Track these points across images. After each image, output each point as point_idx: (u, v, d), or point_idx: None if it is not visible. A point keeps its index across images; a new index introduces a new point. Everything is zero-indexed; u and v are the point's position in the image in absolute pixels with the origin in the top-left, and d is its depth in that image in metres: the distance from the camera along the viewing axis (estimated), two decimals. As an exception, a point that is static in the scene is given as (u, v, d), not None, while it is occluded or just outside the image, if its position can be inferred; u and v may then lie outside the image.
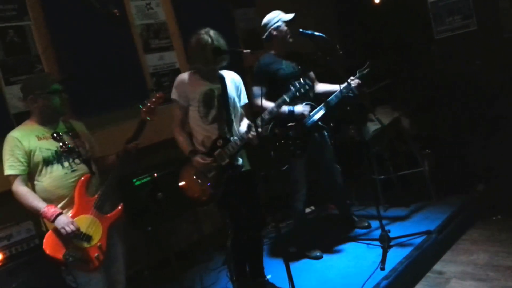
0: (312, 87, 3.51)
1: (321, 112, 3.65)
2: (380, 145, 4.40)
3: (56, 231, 2.65)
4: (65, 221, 2.64)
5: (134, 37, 4.22)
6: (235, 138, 3.06)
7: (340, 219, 4.19)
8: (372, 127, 4.30)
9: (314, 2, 5.72)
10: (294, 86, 3.18)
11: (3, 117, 3.40)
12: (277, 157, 3.67)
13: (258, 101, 3.52)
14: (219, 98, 3.10)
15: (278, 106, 3.18)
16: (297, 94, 3.17)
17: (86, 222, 2.74)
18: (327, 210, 4.72)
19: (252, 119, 3.06)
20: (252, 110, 3.44)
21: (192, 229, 4.29)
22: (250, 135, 3.02)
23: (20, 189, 2.69)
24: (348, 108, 3.77)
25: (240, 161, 3.16)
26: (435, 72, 4.86)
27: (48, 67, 3.69)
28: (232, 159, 3.08)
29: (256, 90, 3.60)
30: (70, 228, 2.63)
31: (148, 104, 2.95)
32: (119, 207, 2.94)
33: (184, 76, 3.17)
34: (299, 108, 3.56)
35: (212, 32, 3.05)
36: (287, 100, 3.17)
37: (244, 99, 3.28)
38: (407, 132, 4.45)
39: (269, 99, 3.55)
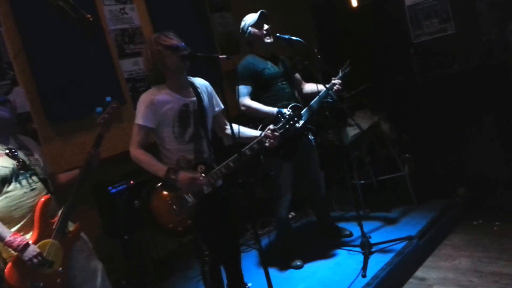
0: (300, 119, 3.27)
1: (305, 117, 3.60)
2: (360, 150, 4.37)
3: (20, 261, 2.52)
4: (33, 252, 2.53)
5: (108, 42, 4.14)
6: (221, 166, 2.78)
7: (320, 228, 4.13)
8: (352, 131, 4.28)
9: (292, 7, 5.70)
10: (284, 117, 2.94)
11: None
12: (267, 161, 3.57)
13: (245, 100, 3.44)
14: (195, 114, 2.83)
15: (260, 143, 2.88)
16: (287, 126, 2.93)
17: (48, 247, 2.62)
18: (307, 216, 4.66)
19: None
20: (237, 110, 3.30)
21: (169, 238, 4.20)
22: (268, 142, 2.80)
23: None
24: (327, 113, 3.73)
25: (220, 183, 2.92)
26: (413, 76, 4.85)
27: (20, 73, 3.60)
28: (214, 188, 2.82)
29: (243, 88, 3.48)
30: (37, 260, 2.53)
31: (104, 115, 2.79)
32: (76, 227, 2.82)
33: (151, 96, 2.77)
34: (288, 111, 3.46)
35: (173, 33, 2.80)
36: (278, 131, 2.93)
37: (220, 105, 3.05)
38: (387, 136, 4.42)
39: (253, 99, 3.50)
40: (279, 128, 2.89)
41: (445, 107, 4.63)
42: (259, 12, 3.60)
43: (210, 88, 3.03)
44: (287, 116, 2.93)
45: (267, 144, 2.84)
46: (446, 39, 4.79)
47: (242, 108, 3.48)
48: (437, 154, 4.69)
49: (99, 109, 2.80)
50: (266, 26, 3.61)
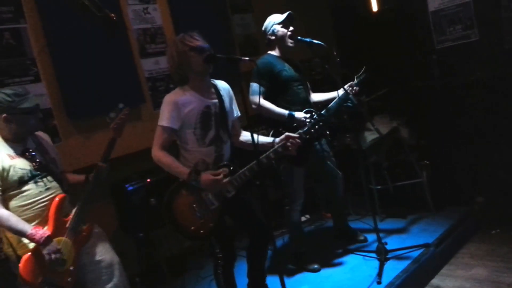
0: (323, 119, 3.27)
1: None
2: (378, 155, 4.34)
3: (36, 255, 2.55)
4: (54, 247, 2.57)
5: (130, 41, 4.18)
6: (245, 170, 2.76)
7: (336, 231, 4.11)
8: (370, 136, 4.24)
9: (311, 10, 5.69)
10: (310, 122, 2.98)
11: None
12: (280, 166, 3.57)
13: (257, 98, 3.38)
14: (216, 117, 2.84)
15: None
16: (312, 130, 2.96)
17: (61, 245, 2.66)
18: (322, 219, 4.64)
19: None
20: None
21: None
22: (289, 143, 2.80)
23: (1, 211, 2.54)
24: (345, 116, 3.71)
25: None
26: (434, 82, 4.80)
27: (43, 70, 3.65)
28: (238, 191, 2.80)
29: (256, 86, 3.44)
30: (55, 256, 2.56)
31: (117, 121, 2.84)
32: (89, 227, 2.86)
33: (175, 97, 2.79)
34: (300, 114, 3.44)
35: (198, 34, 2.81)
36: (304, 135, 2.99)
37: (238, 112, 3.05)
38: (405, 142, 4.38)
39: (267, 99, 3.48)
40: (305, 133, 2.90)
41: (466, 114, 4.57)
42: (287, 13, 3.60)
43: (231, 92, 3.04)
44: (312, 121, 2.95)
45: (281, 150, 2.84)
46: (469, 46, 4.72)
47: (253, 106, 3.44)
48: (456, 161, 4.63)
49: (112, 114, 2.85)
50: (291, 28, 3.61)
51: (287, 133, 2.89)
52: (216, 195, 2.78)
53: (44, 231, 2.58)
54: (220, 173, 2.73)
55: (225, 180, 2.73)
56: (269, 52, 3.68)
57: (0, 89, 2.82)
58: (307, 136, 2.96)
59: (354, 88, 3.61)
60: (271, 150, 2.84)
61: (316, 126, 3.00)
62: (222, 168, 2.78)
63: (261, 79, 3.44)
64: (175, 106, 2.75)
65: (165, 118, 2.75)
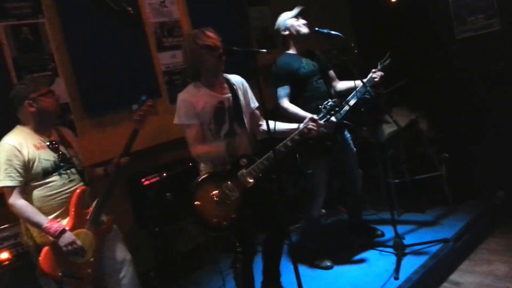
0: (339, 105, 3.23)
1: (339, 116, 3.54)
2: (396, 148, 4.28)
3: (55, 247, 2.60)
4: (69, 239, 2.61)
5: (147, 35, 4.19)
6: (263, 159, 2.80)
7: (352, 227, 4.07)
8: (388, 129, 4.19)
9: (329, 1, 5.61)
10: (324, 108, 2.98)
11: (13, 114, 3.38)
12: (302, 160, 3.54)
13: (285, 102, 3.45)
14: (230, 111, 2.88)
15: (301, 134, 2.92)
16: (328, 116, 2.98)
17: (81, 237, 2.70)
18: (338, 214, 4.61)
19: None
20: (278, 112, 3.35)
21: (199, 231, 4.23)
22: (311, 126, 2.83)
23: (19, 202, 2.61)
24: (362, 109, 3.66)
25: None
26: (455, 73, 4.70)
27: (61, 65, 3.68)
28: (257, 181, 2.82)
29: (281, 90, 3.48)
30: (73, 247, 2.61)
31: (140, 113, 2.88)
32: (110, 220, 2.90)
33: (188, 95, 2.86)
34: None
35: (212, 31, 2.82)
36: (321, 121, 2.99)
37: (255, 103, 3.07)
38: (424, 135, 4.31)
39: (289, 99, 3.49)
40: (320, 119, 2.92)
41: (486, 107, 4.47)
42: (298, 8, 3.58)
43: (246, 84, 3.06)
44: (328, 106, 2.97)
45: (309, 129, 2.86)
46: (491, 35, 4.61)
47: (282, 110, 3.48)
48: (476, 154, 4.53)
49: (135, 106, 2.88)
50: (303, 20, 3.57)
51: (311, 116, 2.92)
52: (236, 185, 2.80)
53: (59, 225, 2.62)
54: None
55: (244, 171, 2.78)
56: (286, 51, 3.65)
57: (15, 84, 2.94)
58: (323, 121, 2.96)
59: (378, 73, 3.56)
60: (289, 137, 2.86)
61: (332, 112, 2.99)
62: (241, 159, 2.81)
63: (283, 82, 3.47)
64: (189, 104, 2.81)
65: (184, 116, 2.82)
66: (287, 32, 3.58)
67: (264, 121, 2.98)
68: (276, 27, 3.67)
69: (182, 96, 2.87)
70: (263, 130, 3.06)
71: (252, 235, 3.03)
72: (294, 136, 2.86)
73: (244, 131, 2.96)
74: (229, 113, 2.88)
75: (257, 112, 3.10)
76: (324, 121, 2.97)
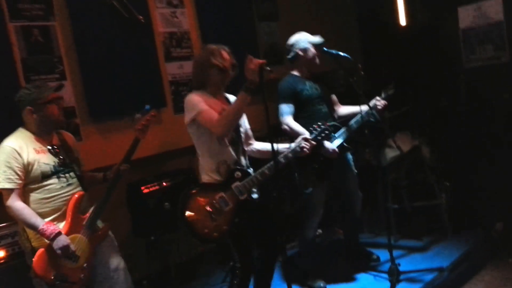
0: (332, 131, 3.27)
1: (343, 137, 3.56)
2: (397, 173, 4.27)
3: (50, 250, 2.60)
4: (64, 242, 2.60)
5: (156, 44, 4.22)
6: (257, 173, 2.83)
7: (347, 249, 4.06)
8: (390, 153, 4.18)
9: (339, 21, 5.65)
10: (315, 130, 2.98)
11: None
12: (302, 178, 3.56)
13: (288, 119, 3.49)
14: None
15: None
16: (319, 138, 2.98)
17: (76, 242, 2.69)
18: (335, 234, 4.59)
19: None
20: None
21: (194, 242, 4.22)
22: (304, 145, 2.85)
23: (16, 204, 2.61)
24: (366, 131, 3.67)
25: (256, 195, 2.96)
26: (461, 102, 4.71)
27: (69, 68, 3.72)
28: (249, 194, 2.86)
29: (285, 107, 3.52)
30: (66, 251, 2.60)
31: (142, 122, 2.90)
32: (106, 227, 2.90)
33: (197, 95, 2.86)
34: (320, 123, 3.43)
35: (223, 46, 2.89)
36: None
37: (247, 124, 3.10)
38: (426, 162, 4.30)
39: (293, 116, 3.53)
40: (312, 139, 2.94)
41: (490, 137, 4.46)
42: (322, 39, 3.60)
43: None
44: (319, 128, 2.98)
45: (299, 149, 2.88)
46: (499, 67, 4.62)
47: (285, 127, 3.52)
48: (477, 185, 4.51)
49: (138, 115, 2.90)
50: (318, 50, 3.60)
51: (303, 136, 2.94)
52: (229, 197, 2.81)
53: (55, 227, 2.62)
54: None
55: (238, 183, 2.80)
56: (291, 72, 3.69)
57: (23, 87, 2.92)
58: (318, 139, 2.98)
59: (381, 102, 3.59)
60: (283, 154, 2.87)
61: (323, 134, 3.00)
62: (236, 172, 2.84)
63: (287, 100, 3.53)
64: (200, 98, 2.81)
65: (202, 104, 2.76)
66: (302, 54, 3.60)
67: (255, 142, 3.11)
68: (292, 42, 3.66)
69: (193, 95, 2.86)
70: (253, 149, 3.09)
71: (250, 250, 3.00)
72: (288, 154, 2.88)
73: (241, 143, 2.99)
74: None
75: (250, 132, 3.12)
76: (314, 141, 2.96)
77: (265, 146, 3.07)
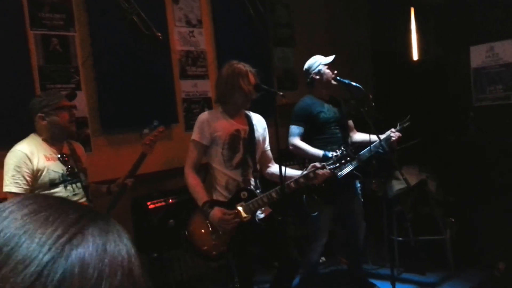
0: (353, 159, 3.27)
1: (351, 166, 3.56)
2: (403, 206, 4.26)
3: None
4: None
5: (172, 61, 4.26)
6: (264, 196, 2.83)
7: (350, 279, 4.01)
8: (397, 185, 4.18)
9: (352, 52, 5.72)
10: (336, 156, 2.98)
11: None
12: (309, 202, 3.55)
13: (295, 140, 3.49)
14: (244, 142, 2.93)
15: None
16: (337, 164, 2.98)
17: None
18: (339, 263, 4.55)
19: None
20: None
21: (197, 261, 4.18)
22: (314, 174, 2.84)
23: None
24: (374, 162, 3.67)
25: (261, 215, 2.95)
26: (469, 140, 4.72)
27: (85, 79, 3.74)
28: (253, 215, 2.85)
29: (295, 128, 3.54)
30: None
31: (150, 138, 2.93)
32: None
33: (209, 115, 2.96)
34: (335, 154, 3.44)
35: (250, 66, 2.92)
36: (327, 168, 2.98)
37: (268, 146, 3.12)
38: (432, 196, 4.30)
39: (303, 140, 3.53)
40: (329, 165, 2.92)
41: (497, 176, 4.46)
42: (333, 56, 3.64)
43: (265, 125, 3.11)
44: (339, 155, 2.96)
45: (313, 175, 2.87)
46: (508, 107, 4.65)
47: (291, 147, 3.55)
48: (482, 222, 4.49)
49: (146, 130, 2.93)
50: (335, 71, 3.64)
51: (313, 163, 2.93)
52: (223, 230, 2.80)
53: None
54: (231, 213, 2.76)
55: (231, 220, 2.75)
56: (310, 93, 3.71)
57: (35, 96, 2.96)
58: (330, 168, 2.96)
59: (396, 134, 3.60)
60: (302, 174, 2.88)
61: (342, 161, 2.99)
62: (242, 192, 2.82)
63: (298, 121, 3.54)
64: (206, 123, 2.89)
65: (196, 133, 2.90)
66: (317, 77, 3.63)
67: (274, 164, 3.10)
68: (307, 67, 3.71)
69: (201, 117, 2.96)
70: (270, 172, 3.09)
71: (252, 272, 2.98)
72: (299, 179, 2.87)
73: (254, 165, 2.99)
74: (244, 143, 2.92)
75: (270, 153, 3.13)
76: (330, 169, 2.96)
77: (277, 170, 3.01)
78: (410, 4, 5.48)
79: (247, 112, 3.04)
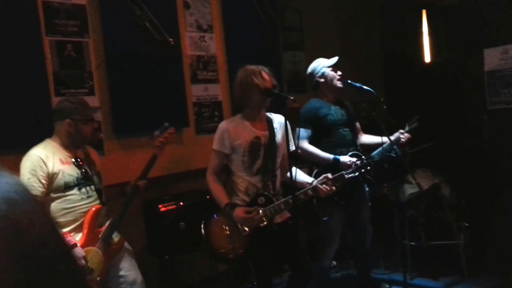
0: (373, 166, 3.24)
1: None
2: (416, 210, 4.22)
3: None
4: (78, 254, 2.62)
5: (184, 66, 4.30)
6: (281, 201, 2.86)
7: (359, 282, 3.99)
8: (409, 189, 4.15)
9: (364, 55, 5.71)
10: (356, 164, 3.02)
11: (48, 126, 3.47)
12: (319, 207, 3.55)
13: (303, 143, 3.48)
14: (265, 148, 2.93)
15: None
16: (356, 173, 3.00)
17: (91, 255, 2.72)
18: (349, 267, 4.52)
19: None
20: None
21: (207, 265, 4.20)
22: (323, 187, 2.86)
23: None
24: (386, 166, 3.65)
25: (278, 219, 2.95)
26: (483, 143, 4.67)
27: (98, 84, 3.79)
28: (271, 222, 2.87)
29: (303, 132, 3.53)
30: (81, 263, 2.61)
31: (160, 139, 2.96)
32: (120, 241, 2.93)
33: (229, 123, 3.00)
34: (345, 158, 3.42)
35: (263, 67, 2.95)
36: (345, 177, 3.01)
37: (292, 146, 3.09)
38: (445, 201, 4.25)
39: (311, 142, 3.52)
40: (348, 174, 2.94)
41: (511, 180, 4.39)
42: (336, 57, 3.63)
43: (288, 125, 3.02)
44: (359, 163, 2.98)
45: (322, 188, 2.88)
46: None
47: (299, 151, 3.50)
48: (496, 227, 4.43)
49: (157, 132, 2.98)
50: (339, 72, 3.63)
51: (326, 175, 2.94)
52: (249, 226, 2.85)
53: (71, 239, 2.65)
54: (252, 211, 2.80)
55: (255, 217, 2.80)
56: (317, 97, 3.70)
57: (64, 98, 3.04)
58: (349, 176, 2.98)
59: (405, 135, 3.57)
60: (310, 186, 2.89)
61: (363, 170, 2.99)
62: (260, 197, 2.86)
63: (306, 124, 3.53)
64: (226, 132, 2.93)
65: (216, 142, 2.96)
66: (322, 80, 3.63)
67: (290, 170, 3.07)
68: (310, 70, 3.72)
69: (222, 125, 3.02)
70: (287, 178, 3.08)
71: (271, 277, 3.00)
72: (308, 191, 2.90)
73: (274, 170, 3.00)
74: (265, 149, 2.94)
75: (287, 157, 3.09)
76: (348, 178, 2.97)
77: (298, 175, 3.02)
78: (422, 6, 5.45)
79: (268, 114, 3.04)
